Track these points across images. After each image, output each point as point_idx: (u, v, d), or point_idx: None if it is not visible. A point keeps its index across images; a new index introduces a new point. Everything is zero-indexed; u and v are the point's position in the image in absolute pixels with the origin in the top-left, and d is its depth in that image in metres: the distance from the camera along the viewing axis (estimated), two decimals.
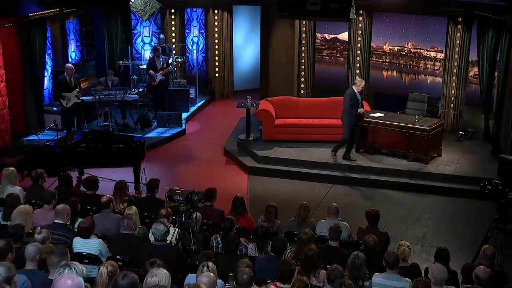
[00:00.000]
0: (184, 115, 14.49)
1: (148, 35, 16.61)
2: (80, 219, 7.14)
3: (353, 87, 11.50)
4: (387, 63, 14.09)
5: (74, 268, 4.55)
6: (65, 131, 12.92)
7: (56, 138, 12.00)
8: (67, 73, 12.71)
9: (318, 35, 14.52)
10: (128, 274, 4.53)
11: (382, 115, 12.03)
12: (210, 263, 5.31)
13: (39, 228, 6.23)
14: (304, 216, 7.61)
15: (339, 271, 5.53)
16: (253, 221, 7.87)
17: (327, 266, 5.81)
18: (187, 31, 16.80)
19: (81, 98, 12.86)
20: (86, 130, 12.99)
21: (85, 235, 6.44)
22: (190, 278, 5.53)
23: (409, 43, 13.70)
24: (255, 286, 5.25)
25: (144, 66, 14.72)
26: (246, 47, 17.29)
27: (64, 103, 12.72)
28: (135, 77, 15.19)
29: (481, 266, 5.73)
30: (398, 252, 6.36)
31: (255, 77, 16.16)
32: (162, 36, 15.66)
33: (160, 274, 4.65)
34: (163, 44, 15.21)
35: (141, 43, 16.64)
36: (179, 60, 15.34)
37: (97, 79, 14.74)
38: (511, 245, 8.98)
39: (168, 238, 6.49)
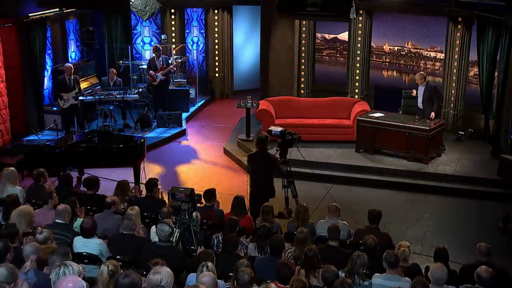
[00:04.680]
0: (184, 115, 14.48)
1: (148, 35, 16.61)
2: (79, 219, 7.15)
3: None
4: (387, 63, 14.08)
5: (70, 266, 4.54)
6: (65, 131, 12.92)
7: (56, 138, 12.00)
8: (66, 73, 12.69)
9: (318, 35, 14.51)
10: (130, 273, 4.52)
11: (382, 115, 12.03)
12: (209, 263, 5.31)
13: (39, 228, 6.23)
14: (304, 218, 7.59)
15: (331, 270, 5.53)
16: (253, 222, 7.88)
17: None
18: (187, 31, 16.79)
19: (80, 98, 12.84)
20: (86, 130, 13.00)
21: (88, 235, 6.45)
22: (191, 278, 5.53)
23: (409, 43, 13.70)
24: (255, 286, 5.25)
25: (144, 66, 14.73)
26: (246, 47, 17.28)
27: (62, 103, 12.69)
28: (135, 77, 15.20)
29: (483, 266, 5.73)
30: (398, 253, 6.37)
31: (255, 77, 16.15)
32: (163, 36, 15.68)
33: (162, 272, 4.64)
34: (164, 44, 15.22)
35: (141, 43, 16.64)
36: (179, 60, 15.34)
37: (98, 78, 14.75)
38: (511, 245, 9.05)
39: None
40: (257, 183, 9.15)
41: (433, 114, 11.65)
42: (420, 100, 11.82)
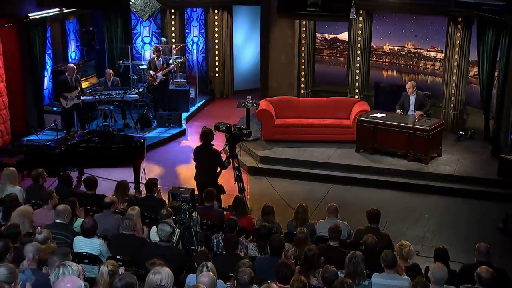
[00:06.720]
0: (184, 115, 14.48)
1: (148, 35, 16.61)
2: (79, 219, 7.15)
3: None
4: (387, 63, 14.09)
5: (69, 266, 4.53)
6: (65, 131, 12.92)
7: (56, 138, 11.99)
8: (68, 73, 12.72)
9: (318, 35, 14.51)
10: (125, 276, 4.50)
11: (383, 115, 12.03)
12: (209, 263, 5.31)
13: (39, 228, 6.23)
14: (303, 218, 7.59)
15: (331, 270, 5.53)
16: (253, 222, 7.88)
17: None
18: (187, 31, 16.79)
19: (81, 98, 12.86)
20: (86, 130, 13.00)
21: (89, 235, 6.45)
22: (191, 278, 5.53)
23: (409, 43, 13.70)
24: (255, 286, 5.25)
25: (144, 66, 14.73)
26: (246, 47, 17.28)
27: (64, 103, 12.72)
28: (135, 77, 15.20)
29: (484, 266, 5.73)
30: (403, 253, 6.38)
31: (255, 77, 16.15)
32: (163, 39, 15.68)
33: (163, 272, 4.64)
34: (164, 45, 15.22)
35: (141, 43, 16.64)
36: (179, 60, 15.34)
37: (97, 79, 14.75)
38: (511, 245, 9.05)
39: None
40: (202, 175, 9.52)
41: (419, 113, 11.78)
42: (412, 108, 12.04)
